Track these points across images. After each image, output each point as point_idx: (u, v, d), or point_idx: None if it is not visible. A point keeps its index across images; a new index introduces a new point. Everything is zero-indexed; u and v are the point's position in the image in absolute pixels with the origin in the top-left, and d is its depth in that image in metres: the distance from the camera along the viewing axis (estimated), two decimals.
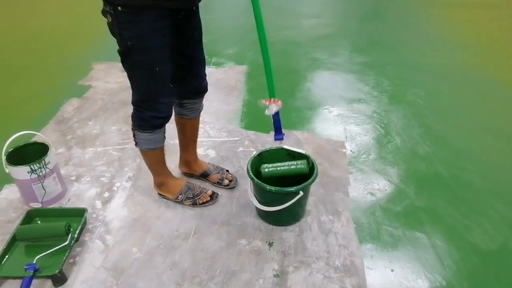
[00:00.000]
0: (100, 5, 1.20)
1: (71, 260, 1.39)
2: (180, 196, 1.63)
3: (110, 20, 1.18)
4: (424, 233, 1.50)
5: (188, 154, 1.74)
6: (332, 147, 2.01)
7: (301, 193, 1.39)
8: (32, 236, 1.42)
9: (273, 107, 1.37)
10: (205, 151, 1.98)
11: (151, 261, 1.39)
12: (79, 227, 1.46)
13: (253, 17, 1.26)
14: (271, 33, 3.55)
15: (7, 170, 1.53)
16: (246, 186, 1.67)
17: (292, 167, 1.51)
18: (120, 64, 1.28)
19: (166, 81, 1.32)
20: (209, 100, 2.42)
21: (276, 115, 1.39)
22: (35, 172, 1.53)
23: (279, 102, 1.37)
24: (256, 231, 1.51)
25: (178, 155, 1.78)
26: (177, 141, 1.73)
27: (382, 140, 2.07)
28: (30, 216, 1.53)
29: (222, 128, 2.18)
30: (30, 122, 2.25)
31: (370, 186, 1.74)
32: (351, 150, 1.98)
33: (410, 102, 2.44)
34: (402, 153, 1.96)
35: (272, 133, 1.46)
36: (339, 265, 1.37)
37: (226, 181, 1.72)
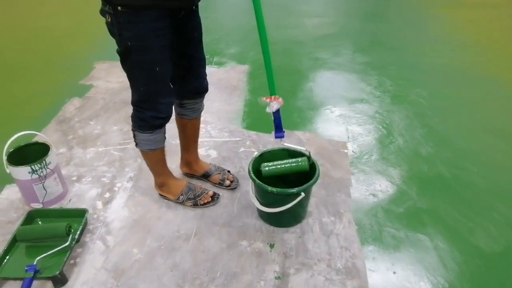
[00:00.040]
0: (100, 4, 1.19)
1: (72, 261, 1.38)
2: (181, 197, 1.62)
3: (109, 20, 1.17)
4: (427, 235, 1.49)
5: (189, 154, 1.73)
6: (334, 148, 1.99)
7: (303, 194, 1.38)
8: (33, 237, 1.41)
9: (274, 105, 1.35)
10: (206, 151, 1.98)
11: (151, 262, 1.38)
12: (80, 228, 1.46)
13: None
14: (273, 33, 3.56)
15: (8, 171, 1.53)
16: (248, 187, 1.67)
17: (293, 164, 1.50)
18: None
19: (166, 81, 1.31)
20: (210, 100, 2.42)
21: (276, 113, 1.38)
22: (36, 173, 1.52)
23: (280, 99, 1.35)
24: (257, 233, 1.50)
25: (179, 155, 1.77)
26: (178, 141, 1.72)
27: (384, 140, 2.06)
28: (31, 217, 1.53)
29: (223, 128, 2.17)
30: (32, 121, 2.24)
31: (372, 187, 1.73)
32: (353, 151, 1.97)
33: (413, 103, 2.43)
34: (405, 153, 1.95)
35: (278, 140, 1.45)
36: (341, 267, 1.36)
37: (228, 182, 1.72)
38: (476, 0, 4.70)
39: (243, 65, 2.99)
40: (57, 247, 1.35)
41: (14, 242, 1.41)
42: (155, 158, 1.53)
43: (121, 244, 1.46)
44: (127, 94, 1.38)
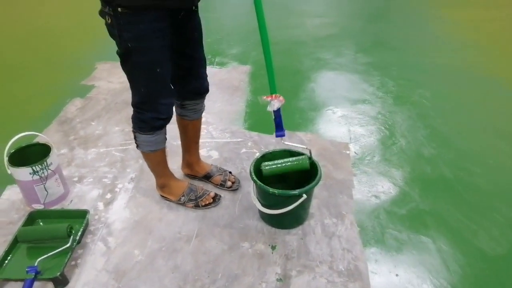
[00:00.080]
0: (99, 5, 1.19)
1: (73, 263, 1.38)
2: (183, 198, 1.61)
3: (109, 21, 1.17)
4: (429, 237, 1.48)
5: (190, 155, 1.72)
6: (336, 149, 1.99)
7: (305, 196, 1.37)
8: (34, 238, 1.41)
9: (275, 103, 1.33)
10: (208, 152, 1.97)
11: (153, 264, 1.38)
12: (81, 229, 1.45)
13: None
14: (274, 33, 3.56)
15: (9, 171, 1.52)
16: (249, 188, 1.66)
17: (294, 163, 1.49)
18: None
19: (166, 82, 1.31)
20: (212, 101, 2.42)
21: (277, 111, 1.36)
22: (37, 174, 1.52)
23: (281, 98, 1.34)
24: (258, 234, 1.50)
25: (181, 156, 1.76)
26: (179, 142, 1.72)
27: (386, 141, 2.05)
28: (32, 218, 1.53)
29: (225, 129, 2.16)
30: (33, 122, 2.24)
31: (375, 189, 1.72)
32: (355, 152, 1.96)
33: (415, 103, 2.42)
34: (407, 155, 1.94)
35: (279, 139, 1.44)
36: (343, 269, 1.35)
37: (229, 183, 1.71)
38: (478, 0, 4.69)
39: (245, 65, 2.99)
40: (58, 248, 1.35)
41: (15, 243, 1.41)
42: (156, 159, 1.53)
43: (122, 245, 1.46)
44: (129, 95, 1.38)
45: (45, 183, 1.55)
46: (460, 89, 2.62)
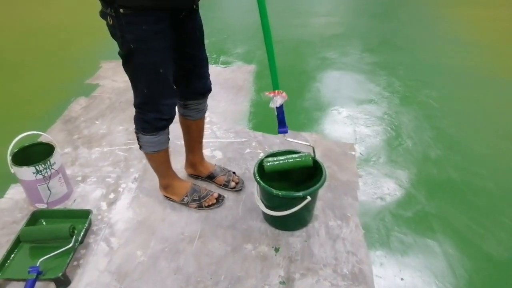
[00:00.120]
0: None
1: (75, 263, 1.38)
2: (186, 198, 1.60)
3: (111, 22, 1.16)
4: (436, 241, 1.45)
5: (194, 155, 1.71)
6: (341, 150, 1.96)
7: (309, 198, 1.35)
8: (36, 238, 1.41)
9: (278, 99, 1.31)
10: (211, 152, 1.96)
11: (155, 265, 1.37)
12: (84, 229, 1.45)
13: None
14: (280, 32, 3.54)
15: (12, 171, 1.52)
16: (253, 189, 1.64)
17: (297, 159, 1.48)
18: None
19: (169, 82, 1.29)
20: (217, 100, 2.41)
21: (280, 108, 1.34)
22: (40, 173, 1.52)
23: (284, 94, 1.31)
24: (262, 236, 1.48)
25: (184, 156, 1.75)
26: (183, 142, 1.71)
27: (392, 142, 2.02)
28: (35, 217, 1.53)
29: (229, 129, 2.15)
30: (38, 121, 2.25)
31: (380, 191, 1.69)
32: (360, 153, 1.94)
33: (422, 104, 2.39)
34: (413, 156, 1.91)
35: (281, 136, 1.42)
36: (347, 272, 1.33)
37: (233, 184, 1.70)
38: None
39: (249, 64, 2.97)
40: (61, 248, 1.34)
41: (17, 242, 1.41)
42: (159, 160, 1.52)
43: (125, 246, 1.45)
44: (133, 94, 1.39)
45: (48, 183, 1.55)
46: (468, 90, 2.58)
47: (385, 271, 1.34)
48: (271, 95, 1.31)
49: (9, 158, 1.52)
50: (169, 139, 1.47)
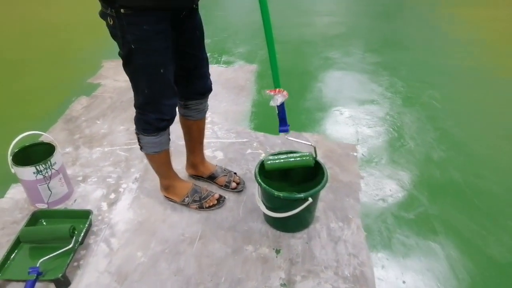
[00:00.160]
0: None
1: (75, 264, 1.37)
2: (187, 199, 1.60)
3: (111, 23, 1.15)
4: (438, 243, 1.44)
5: (195, 156, 1.70)
6: (343, 151, 1.95)
7: (310, 199, 1.34)
8: (36, 238, 1.40)
9: (278, 98, 1.29)
10: (213, 153, 1.95)
11: (155, 266, 1.36)
12: (84, 230, 1.44)
13: None
14: (282, 32, 3.52)
15: (13, 171, 1.52)
16: (254, 189, 1.64)
17: (298, 159, 1.47)
18: None
19: (170, 82, 1.28)
20: (218, 100, 2.40)
21: (281, 106, 1.33)
22: (40, 173, 1.51)
23: (285, 92, 1.30)
24: (263, 237, 1.47)
25: (185, 156, 1.74)
26: (184, 142, 1.70)
27: (395, 143, 2.01)
28: (35, 217, 1.52)
29: (230, 129, 2.14)
30: (39, 120, 2.24)
31: (382, 192, 1.68)
32: (362, 154, 1.93)
33: (425, 105, 2.37)
34: (416, 158, 1.89)
35: (282, 135, 1.41)
36: (349, 275, 1.32)
37: (234, 184, 1.69)
38: None
39: (251, 64, 2.96)
40: (61, 248, 1.34)
41: (17, 243, 1.41)
42: (160, 161, 1.51)
43: (125, 247, 1.44)
44: None
45: (48, 183, 1.55)
46: (471, 91, 2.56)
47: (386, 273, 1.33)
48: (272, 93, 1.30)
49: (9, 158, 1.52)
50: (170, 139, 1.46)
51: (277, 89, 1.30)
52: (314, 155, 1.46)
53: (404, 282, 1.30)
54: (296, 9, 4.43)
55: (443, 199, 1.64)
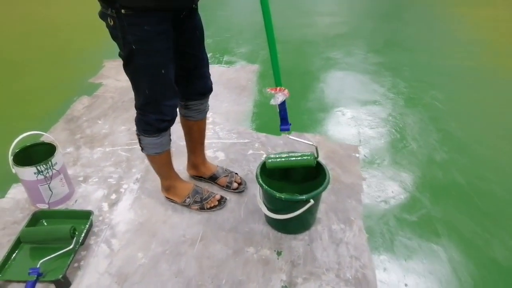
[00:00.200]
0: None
1: (76, 264, 1.37)
2: (188, 200, 1.59)
3: (111, 23, 1.14)
4: (441, 246, 1.43)
5: (196, 156, 1.70)
6: (345, 152, 1.94)
7: (312, 201, 1.33)
8: (37, 239, 1.40)
9: (279, 96, 1.28)
10: (214, 153, 1.94)
11: (156, 268, 1.36)
12: (85, 230, 1.44)
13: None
14: (285, 32, 3.51)
15: (14, 171, 1.51)
16: (255, 190, 1.63)
17: (299, 158, 1.46)
18: None
19: (171, 83, 1.28)
20: (220, 101, 2.39)
21: (282, 105, 1.32)
22: (41, 173, 1.51)
23: (286, 91, 1.29)
24: (264, 239, 1.46)
25: (187, 156, 1.74)
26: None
27: (397, 145, 2.00)
28: (36, 218, 1.52)
29: (232, 130, 2.13)
30: (40, 120, 2.24)
31: (384, 194, 1.67)
32: (364, 155, 1.92)
33: (428, 106, 2.36)
34: (418, 159, 1.88)
35: (284, 135, 1.40)
36: (350, 277, 1.31)
37: (235, 184, 1.68)
38: None
39: (253, 64, 2.95)
40: (62, 249, 1.33)
41: (18, 243, 1.40)
42: (161, 162, 1.50)
43: (126, 247, 1.44)
44: None
45: (49, 183, 1.54)
46: (474, 92, 2.55)
47: (388, 276, 1.32)
48: (273, 91, 1.29)
49: (10, 158, 1.51)
50: (170, 140, 1.45)
51: (278, 88, 1.29)
52: (316, 155, 1.45)
53: (406, 285, 1.29)
54: (298, 9, 4.42)
55: (445, 201, 1.63)
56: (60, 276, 1.24)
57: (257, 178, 1.42)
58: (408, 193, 1.68)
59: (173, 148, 1.51)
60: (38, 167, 1.49)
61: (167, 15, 1.17)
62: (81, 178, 1.78)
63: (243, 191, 1.69)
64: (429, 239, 1.46)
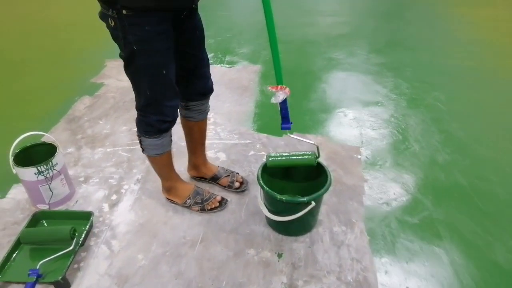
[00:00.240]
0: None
1: (76, 266, 1.36)
2: (189, 201, 1.58)
3: (112, 24, 1.14)
4: (442, 248, 1.42)
5: (196, 157, 1.69)
6: (346, 153, 1.93)
7: (313, 203, 1.33)
8: (37, 240, 1.40)
9: (280, 95, 1.27)
10: (215, 154, 1.94)
11: (156, 269, 1.35)
12: (85, 231, 1.43)
13: None
14: (286, 31, 3.50)
15: (14, 171, 1.51)
16: (256, 192, 1.62)
17: (300, 157, 1.46)
18: None
19: (171, 83, 1.27)
20: (221, 101, 2.38)
21: (283, 103, 1.31)
22: (42, 174, 1.50)
23: (287, 90, 1.28)
24: (265, 241, 1.46)
25: (188, 157, 1.73)
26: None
27: (399, 146, 1.99)
28: (36, 218, 1.51)
29: (233, 130, 2.12)
30: (41, 120, 2.24)
31: (386, 196, 1.66)
32: (366, 156, 1.91)
33: (430, 106, 2.35)
34: (420, 160, 1.87)
35: (285, 136, 1.39)
36: (351, 280, 1.30)
37: (237, 184, 1.67)
38: None
39: (255, 64, 2.94)
40: (61, 250, 1.33)
41: (18, 244, 1.40)
42: (162, 163, 1.50)
43: (126, 249, 1.43)
44: None
45: (50, 184, 1.54)
46: (477, 93, 2.53)
47: (390, 279, 1.31)
48: (274, 90, 1.28)
49: (11, 158, 1.51)
50: (171, 141, 1.45)
51: (279, 86, 1.28)
52: (317, 155, 1.44)
53: None
54: (299, 9, 4.40)
55: (448, 203, 1.62)
56: (60, 277, 1.24)
57: (258, 179, 1.42)
58: (410, 195, 1.67)
59: (174, 149, 1.50)
60: (39, 168, 1.49)
61: (167, 15, 1.16)
62: (81, 179, 1.78)
63: (245, 190, 1.68)
64: (431, 241, 1.45)
